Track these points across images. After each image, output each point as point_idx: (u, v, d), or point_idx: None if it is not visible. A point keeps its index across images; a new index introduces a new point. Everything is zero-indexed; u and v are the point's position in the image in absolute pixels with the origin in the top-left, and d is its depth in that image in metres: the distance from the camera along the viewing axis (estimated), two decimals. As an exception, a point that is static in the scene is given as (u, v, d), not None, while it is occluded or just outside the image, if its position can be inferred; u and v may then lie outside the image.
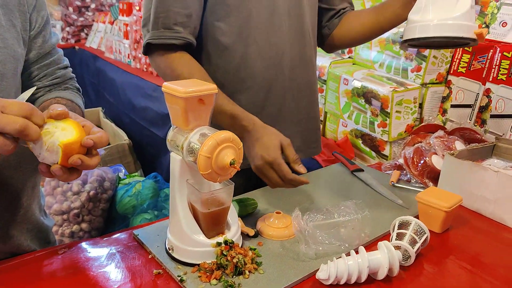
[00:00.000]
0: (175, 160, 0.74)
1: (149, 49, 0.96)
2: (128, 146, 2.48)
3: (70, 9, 4.46)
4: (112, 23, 3.88)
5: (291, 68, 1.08)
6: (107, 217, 1.86)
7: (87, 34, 4.39)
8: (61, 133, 0.59)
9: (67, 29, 4.36)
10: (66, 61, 0.92)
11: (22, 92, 0.83)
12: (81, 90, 0.95)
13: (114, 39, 3.50)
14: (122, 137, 2.57)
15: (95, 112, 3.09)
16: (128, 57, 3.23)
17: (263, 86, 1.05)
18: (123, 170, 2.19)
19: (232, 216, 0.80)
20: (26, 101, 0.61)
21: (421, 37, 0.86)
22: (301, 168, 0.90)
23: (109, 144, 2.76)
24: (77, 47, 4.18)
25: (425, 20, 0.86)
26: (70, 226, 1.73)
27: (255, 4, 0.99)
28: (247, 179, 1.06)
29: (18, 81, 0.80)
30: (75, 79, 0.95)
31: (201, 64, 1.00)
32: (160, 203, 1.86)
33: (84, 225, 1.75)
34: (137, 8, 3.05)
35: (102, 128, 2.80)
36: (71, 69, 0.94)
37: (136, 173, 2.28)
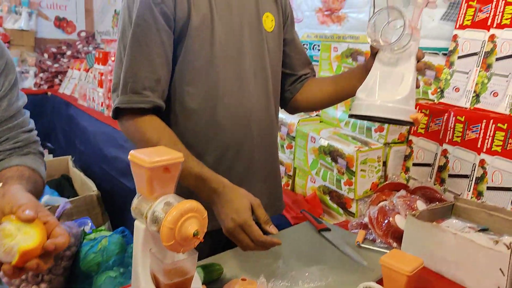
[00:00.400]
0: (139, 229, 0.74)
1: (118, 113, 0.98)
2: (96, 197, 2.42)
3: (46, 55, 4.48)
4: (87, 70, 3.91)
5: (258, 126, 1.11)
6: (68, 275, 1.77)
7: (61, 80, 4.38)
8: (23, 237, 0.59)
9: (41, 75, 4.35)
10: (31, 124, 0.93)
11: None
12: (44, 154, 0.95)
13: (88, 87, 3.51)
14: (91, 188, 2.52)
15: (64, 160, 3.03)
16: (102, 105, 3.24)
17: (232, 145, 1.08)
18: (90, 223, 2.12)
19: (196, 284, 0.79)
20: None
21: (365, 115, 0.96)
22: (272, 229, 0.90)
23: (76, 195, 2.70)
24: (49, 93, 4.16)
25: (370, 100, 0.96)
26: (28, 287, 1.64)
27: (222, 68, 1.03)
28: (216, 241, 1.06)
29: None
30: (39, 142, 0.94)
31: (170, 126, 1.02)
32: (126, 259, 1.80)
33: (43, 286, 1.66)
34: (113, 58, 3.10)
35: (70, 177, 2.71)
36: (36, 132, 0.94)
37: (103, 226, 2.22)
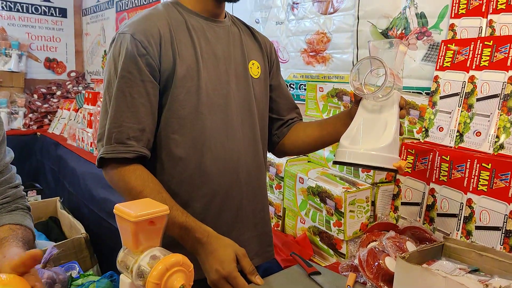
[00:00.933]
0: (125, 283, 0.73)
1: (103, 163, 0.98)
2: (85, 239, 2.37)
3: (35, 96, 4.50)
4: (76, 110, 3.93)
5: (246, 173, 1.12)
6: (55, 324, 1.71)
7: (50, 120, 4.39)
8: None
9: (30, 115, 4.36)
10: (18, 179, 0.93)
11: None
12: (30, 208, 0.95)
13: (77, 127, 3.52)
14: (79, 230, 2.47)
15: (52, 202, 2.98)
16: (91, 145, 3.23)
17: (219, 192, 1.08)
18: (77, 268, 2.07)
19: None
20: None
21: (348, 162, 0.98)
22: (257, 279, 0.90)
23: (65, 237, 2.64)
24: (39, 133, 4.15)
25: (353, 148, 0.99)
26: None
27: (208, 116, 1.04)
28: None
29: None
30: (26, 197, 0.94)
31: (156, 174, 1.02)
32: (115, 305, 1.75)
33: None
34: (102, 98, 3.13)
35: (58, 219, 2.67)
36: (22, 187, 0.94)
37: (91, 271, 2.16)
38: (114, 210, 0.73)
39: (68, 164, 3.25)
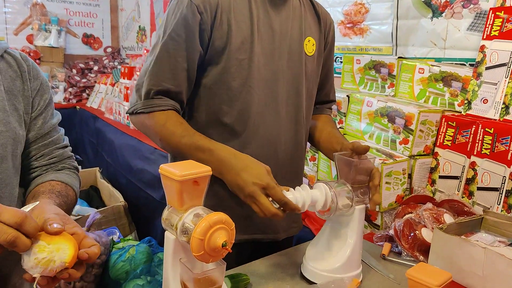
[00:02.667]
0: (169, 239, 0.76)
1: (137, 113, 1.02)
2: (123, 207, 2.48)
3: (74, 71, 4.65)
4: (113, 85, 4.04)
5: (284, 150, 1.13)
6: (99, 282, 1.82)
7: (88, 95, 4.53)
8: (56, 252, 0.62)
9: (70, 89, 4.51)
10: (65, 140, 0.97)
11: (21, 173, 0.87)
12: (78, 169, 0.99)
13: (114, 101, 3.62)
14: (118, 199, 2.58)
15: (92, 172, 3.12)
16: (127, 118, 3.32)
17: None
18: (118, 233, 2.17)
19: (224, 294, 0.80)
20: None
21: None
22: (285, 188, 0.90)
23: (104, 205, 2.76)
24: (78, 107, 4.30)
25: (313, 265, 0.98)
26: (60, 295, 1.69)
27: (256, 90, 1.05)
28: (240, 253, 1.07)
29: (18, 162, 0.84)
30: (74, 158, 0.98)
31: None
32: (153, 268, 1.83)
33: (74, 294, 1.71)
34: (138, 72, 3.19)
35: (98, 189, 2.80)
36: (70, 148, 0.98)
37: (130, 236, 2.26)
38: (159, 170, 0.76)
39: (106, 136, 3.37)
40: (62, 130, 0.98)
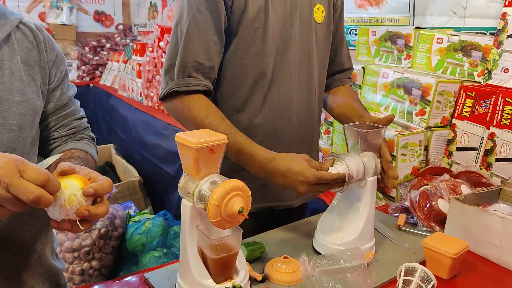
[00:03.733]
0: (186, 206, 0.77)
1: (170, 95, 1.00)
2: (138, 182, 2.52)
3: (86, 48, 4.65)
4: (125, 62, 4.03)
5: (297, 118, 1.13)
6: (116, 254, 1.87)
7: (101, 72, 4.55)
8: (73, 195, 0.63)
9: (83, 67, 4.53)
10: (81, 112, 0.98)
11: (39, 143, 0.88)
12: (95, 139, 1.00)
13: (127, 78, 3.63)
14: (133, 174, 2.62)
15: (107, 148, 3.15)
16: (140, 95, 3.33)
17: (270, 134, 1.09)
18: (133, 207, 2.22)
19: (241, 261, 0.81)
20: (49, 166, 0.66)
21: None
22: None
23: (120, 180, 2.81)
24: (91, 85, 4.33)
25: (325, 238, 0.97)
26: (80, 264, 1.75)
27: (271, 59, 1.05)
28: (255, 221, 1.08)
29: (35, 131, 0.85)
30: (90, 129, 0.99)
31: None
32: (169, 241, 1.87)
33: (94, 263, 1.76)
34: (150, 49, 3.18)
35: (113, 164, 2.84)
36: (86, 119, 0.99)
37: (146, 210, 2.31)
38: (175, 138, 0.76)
39: (119, 113, 3.39)
40: (78, 102, 0.99)
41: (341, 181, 0.89)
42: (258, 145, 0.95)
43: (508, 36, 1.29)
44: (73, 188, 0.64)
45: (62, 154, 0.75)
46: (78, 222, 0.64)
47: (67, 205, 0.63)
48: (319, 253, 0.97)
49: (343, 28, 1.26)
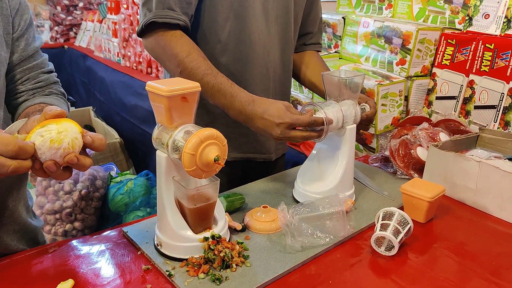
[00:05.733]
0: (161, 157, 0.75)
1: (148, 28, 0.96)
2: (119, 144, 2.48)
3: (58, 8, 4.43)
4: (100, 21, 3.87)
5: (274, 68, 1.12)
6: (100, 215, 1.86)
7: (76, 33, 4.37)
8: (64, 133, 0.61)
9: (56, 28, 4.34)
10: (50, 66, 0.93)
11: (7, 98, 0.84)
12: (65, 94, 0.95)
13: (103, 38, 3.49)
14: (113, 136, 2.57)
15: (86, 111, 3.08)
16: (118, 55, 3.23)
17: (251, 82, 1.07)
18: (115, 169, 2.19)
19: (219, 211, 0.81)
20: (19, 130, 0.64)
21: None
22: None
23: (100, 143, 2.76)
24: (66, 47, 4.16)
25: (303, 187, 0.98)
26: (63, 225, 1.74)
27: (251, 3, 1.03)
28: (232, 171, 1.08)
29: (1, 84, 0.80)
30: (60, 84, 0.95)
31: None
32: (152, 200, 1.87)
33: (77, 224, 1.76)
34: (125, 6, 3.04)
35: (93, 127, 2.79)
36: (55, 73, 0.94)
37: (128, 171, 2.29)
38: (146, 87, 0.73)
39: (97, 74, 3.29)
40: (46, 56, 0.94)
41: (318, 126, 0.88)
42: (239, 87, 0.93)
43: (490, -20, 1.26)
44: (73, 132, 0.62)
45: (26, 119, 0.72)
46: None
47: (70, 148, 0.61)
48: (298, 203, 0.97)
49: None
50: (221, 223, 0.79)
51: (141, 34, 0.99)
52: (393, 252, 0.79)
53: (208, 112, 1.07)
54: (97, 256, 0.78)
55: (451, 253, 0.81)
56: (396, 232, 0.79)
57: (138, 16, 0.99)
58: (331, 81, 0.96)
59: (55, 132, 0.61)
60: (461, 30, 1.36)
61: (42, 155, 0.60)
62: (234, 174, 1.09)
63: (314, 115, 0.89)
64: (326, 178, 0.97)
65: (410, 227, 0.81)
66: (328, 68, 1.23)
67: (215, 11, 1.01)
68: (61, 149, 0.60)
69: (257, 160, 1.17)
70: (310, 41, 1.25)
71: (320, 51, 1.29)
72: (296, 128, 0.88)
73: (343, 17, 1.61)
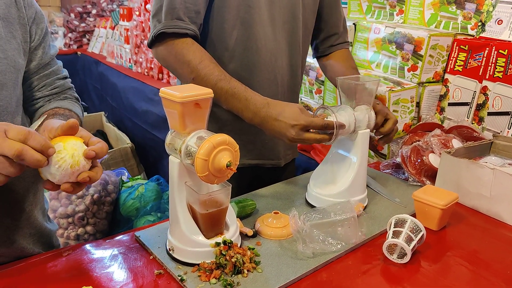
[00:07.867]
0: (174, 163, 0.76)
1: (158, 39, 0.98)
2: (130, 149, 2.50)
3: (72, 15, 4.50)
4: (113, 28, 3.92)
5: (282, 74, 1.13)
6: (111, 219, 1.88)
7: (88, 40, 4.43)
8: (75, 153, 0.64)
9: (69, 35, 4.40)
10: (65, 72, 0.95)
11: (23, 103, 0.86)
12: (79, 99, 0.98)
13: (115, 44, 3.54)
14: (125, 141, 2.60)
15: (98, 116, 3.12)
16: (129, 61, 3.26)
17: (257, 87, 1.08)
18: (126, 173, 2.21)
19: (231, 216, 0.81)
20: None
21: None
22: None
23: (112, 148, 2.79)
24: (79, 53, 4.22)
25: (317, 191, 0.99)
26: (75, 229, 1.76)
27: (257, 10, 1.03)
28: (240, 176, 1.08)
29: (19, 91, 0.82)
30: (74, 89, 0.97)
31: None
32: (163, 205, 1.88)
33: (89, 228, 1.78)
34: (137, 13, 3.08)
35: (105, 132, 2.83)
36: (70, 79, 0.96)
37: (139, 176, 2.30)
38: (160, 93, 0.74)
39: (109, 80, 3.33)
40: (60, 63, 0.96)
41: (330, 129, 0.88)
42: (252, 91, 0.95)
43: (503, -14, 1.25)
44: (79, 150, 0.65)
45: (46, 116, 0.74)
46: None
47: (76, 166, 0.64)
48: (311, 207, 0.97)
49: None
50: (233, 229, 0.80)
51: (151, 45, 1.00)
52: (406, 259, 0.78)
53: (215, 119, 1.08)
54: (110, 260, 0.79)
55: (464, 261, 0.80)
56: (409, 240, 0.78)
57: (150, 23, 1.01)
58: (345, 85, 0.97)
59: (69, 156, 0.63)
60: (473, 36, 1.35)
61: (51, 176, 0.64)
62: (243, 180, 1.09)
63: (326, 119, 0.90)
64: (338, 181, 0.98)
65: (423, 234, 0.80)
66: (355, 65, 1.25)
67: (222, 19, 1.02)
68: (68, 168, 0.63)
69: (266, 166, 1.17)
70: (337, 41, 1.27)
71: (348, 48, 1.30)
72: (310, 130, 0.89)
73: (354, 23, 1.61)
